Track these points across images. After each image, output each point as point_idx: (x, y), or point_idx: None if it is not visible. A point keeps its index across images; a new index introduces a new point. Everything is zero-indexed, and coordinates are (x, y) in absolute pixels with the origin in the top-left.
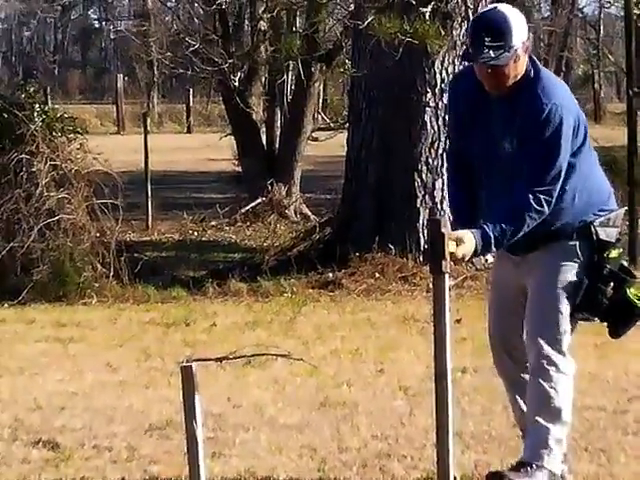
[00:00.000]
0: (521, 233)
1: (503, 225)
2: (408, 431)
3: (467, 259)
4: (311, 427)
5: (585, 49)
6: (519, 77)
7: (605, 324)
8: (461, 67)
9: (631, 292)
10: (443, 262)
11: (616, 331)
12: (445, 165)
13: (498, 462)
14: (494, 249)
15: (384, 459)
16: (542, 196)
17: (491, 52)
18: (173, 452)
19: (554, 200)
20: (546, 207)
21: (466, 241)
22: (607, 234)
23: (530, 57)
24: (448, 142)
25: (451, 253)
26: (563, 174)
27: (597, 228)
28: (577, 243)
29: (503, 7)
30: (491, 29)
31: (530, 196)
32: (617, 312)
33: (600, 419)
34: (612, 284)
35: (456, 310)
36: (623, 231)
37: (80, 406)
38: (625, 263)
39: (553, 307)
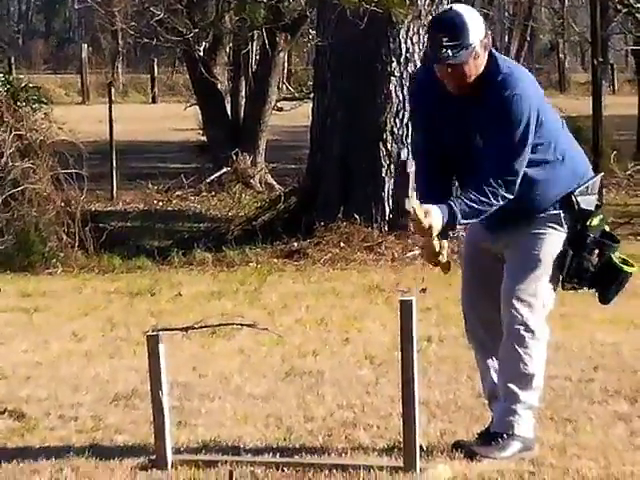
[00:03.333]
0: (486, 214)
1: (469, 203)
2: (374, 400)
3: (435, 233)
4: (277, 396)
5: (550, 19)
6: (480, 74)
7: (594, 291)
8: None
9: (616, 257)
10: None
11: (606, 297)
12: (411, 153)
13: (464, 431)
14: (459, 225)
15: (350, 428)
16: (502, 189)
17: (449, 51)
18: (139, 421)
19: (514, 191)
20: (510, 194)
21: (434, 213)
22: (587, 202)
23: (490, 52)
24: (413, 134)
25: (419, 224)
26: (526, 162)
27: (578, 197)
28: (560, 212)
29: (459, 6)
30: (447, 29)
31: (495, 184)
32: (605, 278)
33: (566, 388)
34: (597, 251)
35: (421, 279)
36: None
37: (45, 376)
38: (607, 228)
39: (536, 273)
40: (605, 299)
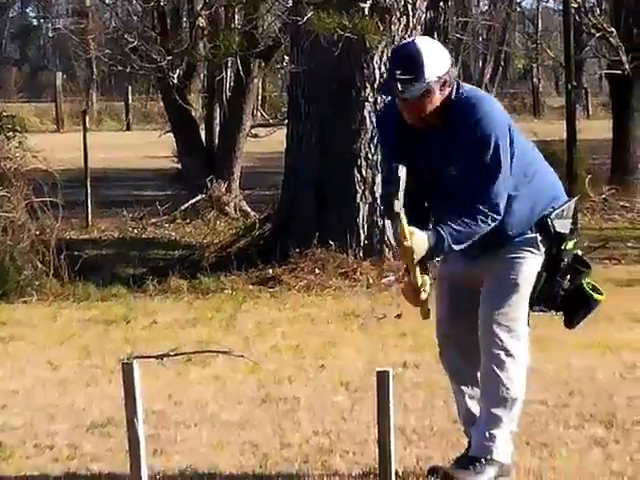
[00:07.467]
0: (473, 239)
1: (458, 228)
2: (349, 426)
3: (416, 256)
4: (252, 423)
5: (523, 43)
6: (436, 108)
7: (560, 315)
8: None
9: (586, 284)
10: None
11: (572, 322)
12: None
13: (440, 457)
14: (446, 251)
15: (326, 455)
16: (489, 212)
17: (399, 85)
18: (114, 450)
19: (502, 212)
20: (493, 222)
21: (417, 236)
22: (562, 226)
23: (457, 83)
24: (384, 166)
25: (404, 245)
26: (506, 190)
27: (554, 221)
28: (536, 235)
29: (421, 40)
30: (402, 63)
31: (478, 214)
32: (573, 303)
33: (542, 413)
34: (569, 276)
35: (397, 305)
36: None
37: (21, 404)
38: (580, 252)
39: (513, 298)
40: (571, 324)
